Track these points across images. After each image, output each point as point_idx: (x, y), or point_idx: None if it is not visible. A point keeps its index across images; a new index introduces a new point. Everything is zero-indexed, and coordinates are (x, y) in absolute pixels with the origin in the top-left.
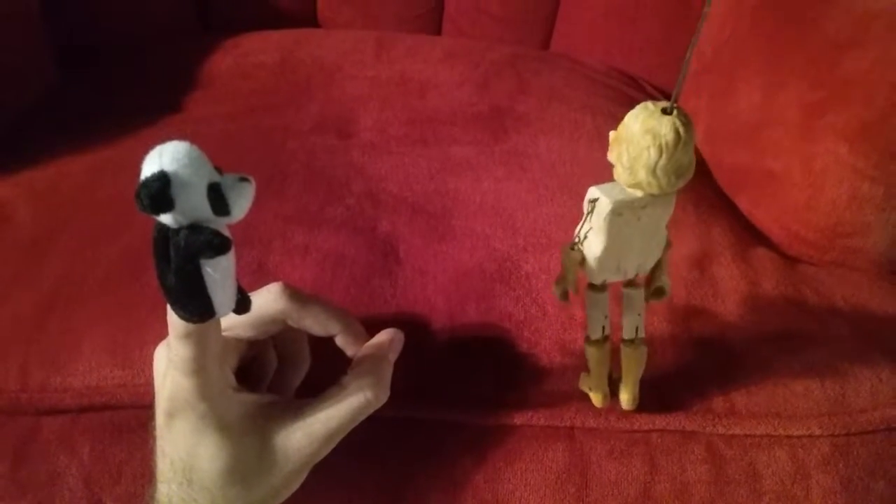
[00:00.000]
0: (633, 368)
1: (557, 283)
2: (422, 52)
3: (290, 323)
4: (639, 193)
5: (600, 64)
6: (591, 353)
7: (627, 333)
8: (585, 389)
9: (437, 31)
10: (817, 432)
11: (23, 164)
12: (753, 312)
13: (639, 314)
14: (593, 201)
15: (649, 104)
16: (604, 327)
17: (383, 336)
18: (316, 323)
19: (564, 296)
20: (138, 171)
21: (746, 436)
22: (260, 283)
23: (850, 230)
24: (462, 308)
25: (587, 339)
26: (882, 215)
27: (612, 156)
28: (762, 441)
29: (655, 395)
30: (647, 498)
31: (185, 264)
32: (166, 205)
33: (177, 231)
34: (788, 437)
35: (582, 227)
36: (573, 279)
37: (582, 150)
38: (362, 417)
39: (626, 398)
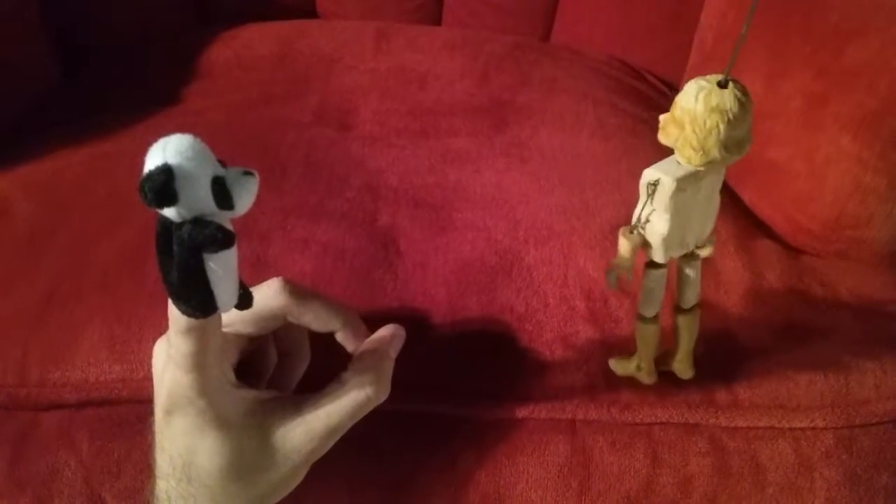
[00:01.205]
0: (689, 336)
1: (610, 270)
2: (422, 44)
3: (291, 319)
4: (697, 167)
5: (601, 54)
6: (650, 331)
7: (687, 303)
8: (630, 372)
9: (438, 22)
10: (821, 424)
11: (21, 159)
12: (756, 304)
13: (696, 282)
14: (654, 183)
15: (701, 81)
16: (661, 301)
17: (384, 332)
18: (316, 319)
19: (616, 282)
20: (137, 166)
21: (749, 428)
22: (259, 276)
23: (854, 221)
24: (463, 301)
25: (642, 319)
26: (885, 206)
27: (668, 139)
28: (765, 433)
29: (658, 388)
30: (649, 491)
31: (188, 258)
32: (170, 198)
33: (180, 225)
34: (792, 429)
35: (642, 210)
36: (631, 264)
37: (583, 142)
38: (363, 414)
39: (684, 367)
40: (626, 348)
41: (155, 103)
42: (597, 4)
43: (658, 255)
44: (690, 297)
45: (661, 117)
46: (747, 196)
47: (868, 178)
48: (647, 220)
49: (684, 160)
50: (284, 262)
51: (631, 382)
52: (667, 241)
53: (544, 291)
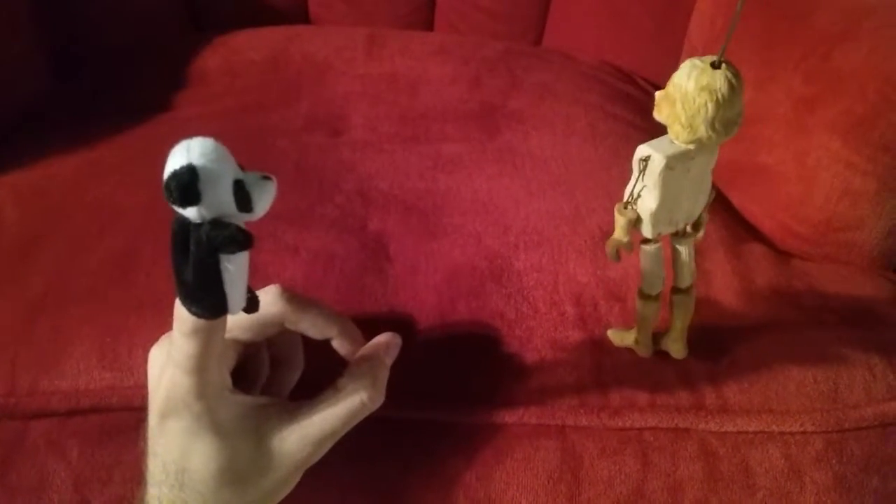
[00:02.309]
0: (684, 315)
1: (610, 243)
2: (413, 49)
3: (288, 325)
4: (689, 146)
5: (592, 59)
6: (649, 308)
7: (683, 282)
8: (628, 344)
9: (430, 28)
10: (810, 429)
11: (11, 165)
12: (746, 308)
13: (690, 262)
14: (644, 159)
15: (696, 61)
16: (663, 280)
17: (380, 339)
18: (313, 326)
19: (616, 255)
20: (128, 173)
21: (739, 433)
22: (250, 283)
23: (844, 224)
24: (453, 306)
25: (643, 296)
26: (875, 209)
27: (661, 116)
28: (755, 438)
29: (647, 392)
30: (639, 496)
31: (206, 258)
32: (194, 198)
33: (199, 225)
34: (781, 433)
35: (634, 186)
36: (628, 239)
37: (574, 147)
38: (357, 420)
39: (678, 347)
40: (616, 353)
41: (146, 109)
42: (588, 10)
43: (647, 230)
44: (685, 277)
45: (657, 94)
46: (737, 200)
47: (858, 182)
48: (639, 196)
49: (673, 136)
50: (275, 268)
51: (621, 387)
52: (655, 217)
53: (534, 297)
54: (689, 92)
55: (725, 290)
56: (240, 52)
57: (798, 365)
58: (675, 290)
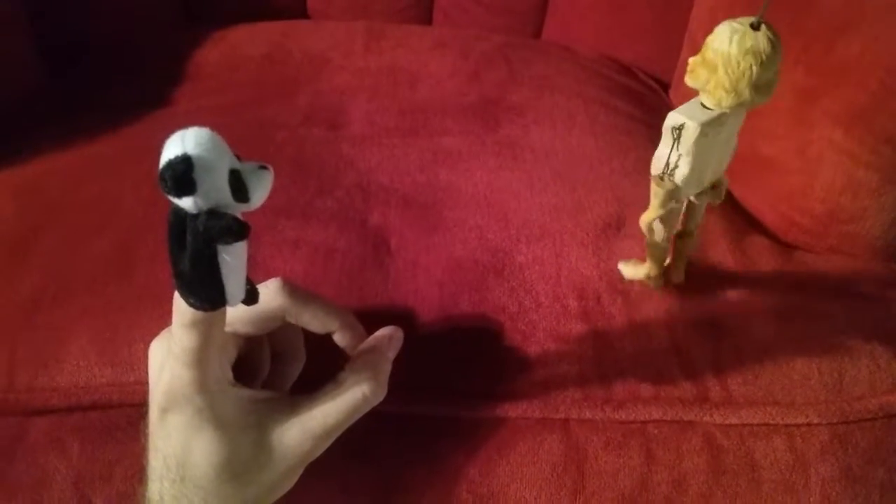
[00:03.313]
0: (687, 253)
1: (647, 218)
2: (412, 43)
3: (289, 319)
4: (724, 111)
5: (592, 52)
6: (661, 249)
7: (692, 227)
8: (639, 277)
9: (428, 21)
10: (815, 420)
11: (8, 159)
12: (750, 300)
13: (702, 212)
14: (678, 128)
15: (734, 24)
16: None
17: (382, 333)
18: (314, 320)
19: (659, 235)
20: (125, 167)
21: (744, 425)
22: (250, 276)
23: (846, 216)
24: (455, 300)
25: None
26: (878, 200)
27: (698, 82)
28: (760, 430)
29: (651, 385)
30: (644, 489)
31: (202, 249)
32: (189, 187)
33: (195, 216)
34: (786, 425)
35: (669, 155)
36: (665, 210)
37: (574, 140)
38: (359, 415)
39: (679, 273)
40: (619, 346)
41: (143, 104)
42: (588, 2)
43: (678, 196)
44: (693, 224)
45: (691, 60)
46: (739, 192)
47: (860, 173)
48: (676, 166)
49: (713, 102)
50: (275, 262)
51: (624, 380)
52: (687, 182)
53: (536, 290)
54: (732, 55)
55: (728, 282)
56: (238, 46)
57: (802, 357)
58: (683, 233)
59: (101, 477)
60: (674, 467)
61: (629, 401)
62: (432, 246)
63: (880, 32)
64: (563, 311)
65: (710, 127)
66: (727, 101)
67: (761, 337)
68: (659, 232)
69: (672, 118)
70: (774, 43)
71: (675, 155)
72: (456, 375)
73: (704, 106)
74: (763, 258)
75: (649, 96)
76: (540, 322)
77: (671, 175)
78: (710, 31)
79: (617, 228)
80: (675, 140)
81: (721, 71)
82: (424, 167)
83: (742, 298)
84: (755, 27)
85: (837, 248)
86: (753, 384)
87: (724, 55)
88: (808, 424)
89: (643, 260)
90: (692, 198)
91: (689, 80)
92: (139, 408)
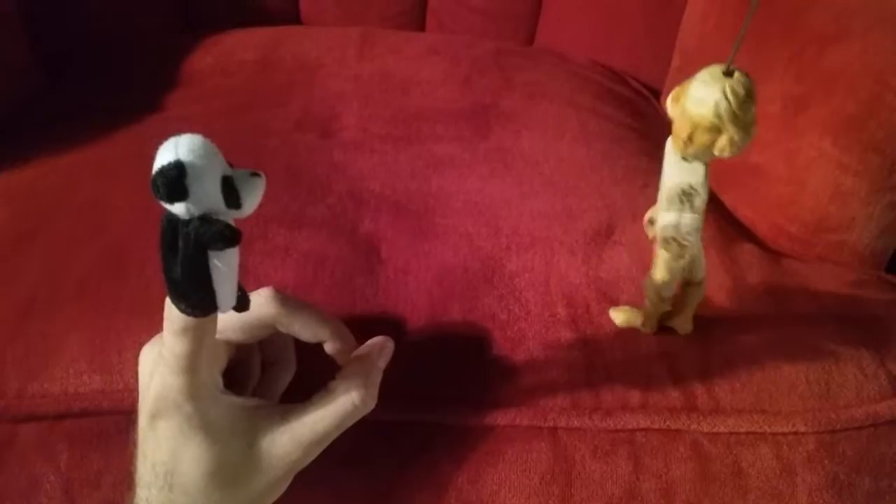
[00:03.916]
0: (696, 303)
1: (661, 282)
2: (405, 49)
3: (280, 328)
4: (704, 166)
5: (584, 59)
6: (666, 302)
7: (697, 276)
8: (632, 325)
9: (421, 28)
10: (802, 429)
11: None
12: (738, 308)
13: (701, 254)
14: (689, 193)
15: (708, 81)
16: None
17: (373, 342)
18: (305, 329)
19: (668, 293)
20: (118, 173)
21: (731, 433)
22: (241, 283)
23: (835, 224)
24: (445, 308)
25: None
26: (866, 209)
27: (701, 149)
28: (747, 438)
29: (639, 393)
30: (632, 497)
31: (194, 255)
32: (181, 194)
33: (187, 222)
34: (773, 434)
35: (680, 219)
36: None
37: (566, 147)
38: (349, 423)
39: (688, 327)
40: (608, 355)
41: (136, 110)
42: (580, 10)
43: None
44: (700, 273)
45: (678, 140)
46: (728, 199)
47: (849, 182)
48: (687, 227)
49: (728, 154)
50: (265, 269)
51: (613, 388)
52: (695, 238)
53: (526, 298)
54: (737, 110)
55: (717, 290)
56: (231, 52)
57: (790, 365)
58: (689, 283)
59: (90, 484)
60: (661, 475)
61: (617, 409)
62: (423, 253)
63: (870, 42)
64: (552, 319)
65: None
66: (732, 151)
67: (749, 345)
68: (668, 290)
69: (679, 183)
70: (748, 86)
71: (685, 217)
72: (445, 383)
73: (684, 159)
74: (752, 266)
75: (640, 103)
76: (529, 330)
77: (685, 237)
78: (701, 37)
79: (607, 236)
80: (684, 203)
81: (728, 125)
82: (416, 174)
83: (730, 306)
84: (728, 74)
85: (826, 256)
86: (741, 392)
87: (727, 112)
88: (795, 433)
89: (634, 306)
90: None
91: (684, 150)
92: (129, 415)
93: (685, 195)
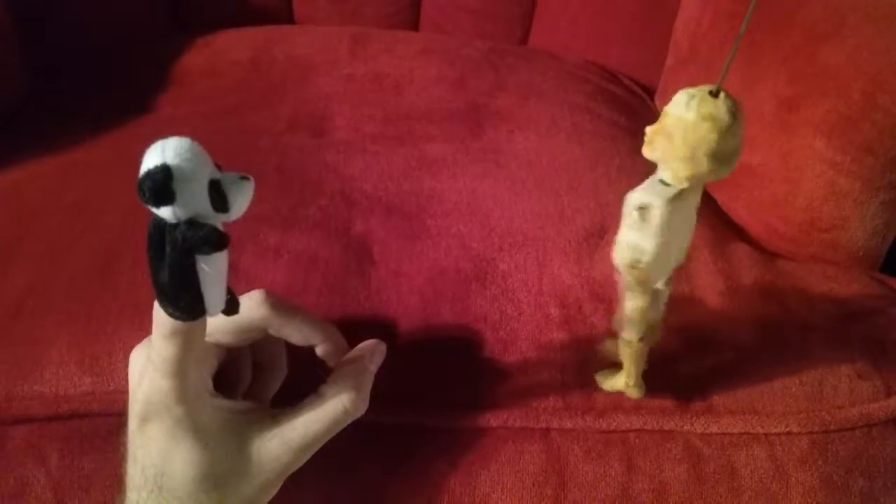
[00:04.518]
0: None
1: (636, 309)
2: (398, 49)
3: (271, 331)
4: (683, 185)
5: (578, 59)
6: (638, 350)
7: (656, 319)
8: (619, 388)
9: (415, 28)
10: (796, 430)
11: None
12: (731, 309)
13: (664, 300)
14: (643, 208)
15: (692, 90)
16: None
17: (365, 346)
18: (297, 332)
19: (638, 327)
20: (108, 175)
21: (724, 434)
22: (231, 285)
23: (828, 224)
24: (437, 309)
25: (628, 340)
26: (860, 209)
27: (654, 153)
28: (740, 439)
29: None
30: (625, 498)
31: (181, 259)
32: (168, 197)
33: (175, 226)
34: (767, 434)
35: (639, 240)
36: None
37: (559, 147)
38: (340, 427)
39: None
40: (601, 356)
41: (127, 111)
42: (573, 9)
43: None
44: (658, 316)
45: (648, 129)
46: (722, 199)
47: (842, 182)
48: (644, 250)
49: (670, 174)
50: (256, 271)
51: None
52: (657, 267)
53: (518, 299)
54: (689, 122)
55: (710, 290)
56: (222, 52)
57: (783, 366)
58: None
59: (80, 487)
60: (654, 476)
61: (610, 410)
62: (415, 254)
63: (863, 42)
64: (544, 320)
65: (674, 203)
66: (683, 171)
67: (742, 346)
68: (637, 323)
69: (633, 199)
70: (734, 112)
71: (644, 238)
72: (437, 385)
73: (664, 182)
74: (745, 267)
75: (634, 103)
76: (521, 330)
77: (640, 260)
78: (696, 37)
79: (600, 236)
80: (640, 221)
81: (678, 139)
82: (408, 174)
83: (723, 307)
84: (714, 94)
85: (819, 256)
86: (734, 393)
87: (682, 122)
88: (789, 433)
89: (618, 368)
90: (659, 284)
91: (646, 152)
92: (118, 417)
93: (640, 211)
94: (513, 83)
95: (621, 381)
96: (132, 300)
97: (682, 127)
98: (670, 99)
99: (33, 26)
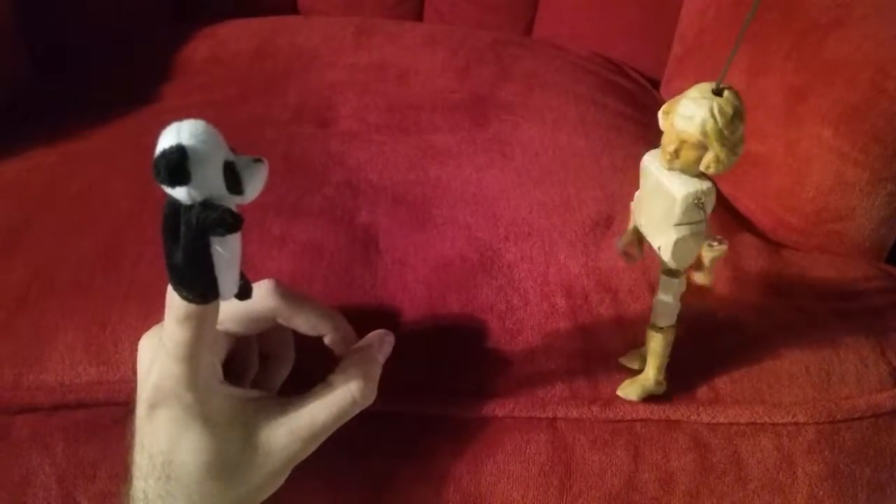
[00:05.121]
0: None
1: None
2: (402, 39)
3: (280, 321)
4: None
5: (583, 49)
6: (667, 339)
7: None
8: (649, 392)
9: (419, 18)
10: (802, 419)
11: None
12: (738, 299)
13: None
14: (701, 199)
15: (696, 97)
16: None
17: (373, 336)
18: (305, 322)
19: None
20: (113, 164)
21: (731, 424)
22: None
23: (835, 215)
24: (442, 299)
25: (660, 329)
26: (867, 199)
27: (688, 164)
28: (747, 429)
29: None
30: (631, 488)
31: (195, 241)
32: (183, 178)
33: (189, 207)
34: (773, 424)
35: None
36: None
37: (564, 137)
38: (348, 417)
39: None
40: (607, 345)
41: (131, 101)
42: (578, 0)
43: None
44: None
45: (667, 147)
46: (728, 190)
47: (849, 172)
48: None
49: (714, 170)
50: (262, 260)
51: (612, 379)
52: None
53: (525, 289)
54: (722, 126)
55: (717, 280)
56: (227, 42)
57: (790, 355)
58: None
59: (86, 476)
60: (661, 466)
61: (616, 400)
62: (421, 244)
63: (870, 31)
64: (550, 310)
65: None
66: (720, 167)
67: (749, 336)
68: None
69: (687, 194)
70: (737, 105)
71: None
72: (443, 374)
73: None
74: (752, 257)
75: (639, 93)
76: (527, 320)
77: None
78: (701, 27)
79: (606, 226)
80: (702, 209)
81: (716, 146)
82: (414, 164)
83: (730, 297)
84: (717, 93)
85: (826, 246)
86: (741, 383)
87: (713, 131)
88: (796, 423)
89: (631, 375)
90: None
91: (670, 163)
92: (124, 406)
93: (698, 201)
94: (518, 74)
95: (651, 383)
96: (138, 288)
97: (716, 135)
98: (675, 90)
99: (36, 16)
